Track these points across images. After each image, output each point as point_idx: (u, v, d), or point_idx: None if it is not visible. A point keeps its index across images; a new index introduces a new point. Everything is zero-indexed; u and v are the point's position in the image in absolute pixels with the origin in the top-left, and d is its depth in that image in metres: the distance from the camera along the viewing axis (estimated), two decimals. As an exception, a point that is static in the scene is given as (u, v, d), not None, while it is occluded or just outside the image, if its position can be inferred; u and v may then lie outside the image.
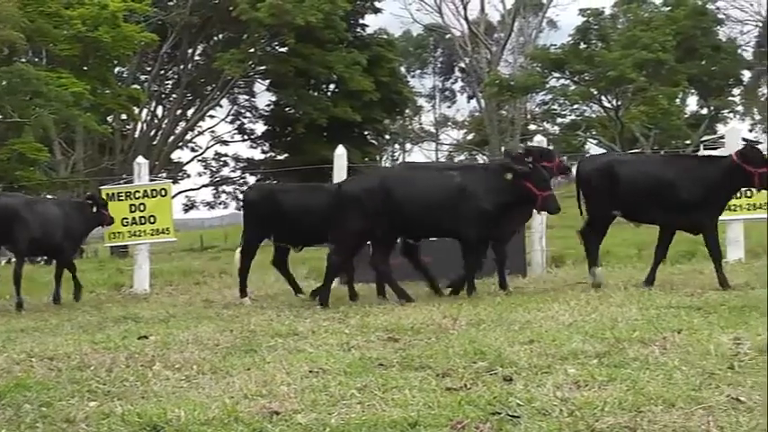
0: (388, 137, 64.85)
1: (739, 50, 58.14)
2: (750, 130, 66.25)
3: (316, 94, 50.07)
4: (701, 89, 55.66)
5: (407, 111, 66.86)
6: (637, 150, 45.05)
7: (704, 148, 17.01)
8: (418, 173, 13.57)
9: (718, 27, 55.54)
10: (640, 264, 13.96)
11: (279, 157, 53.18)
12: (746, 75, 61.71)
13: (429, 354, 7.34)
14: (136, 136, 48.89)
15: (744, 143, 16.65)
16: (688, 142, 50.55)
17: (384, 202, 12.25)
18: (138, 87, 46.56)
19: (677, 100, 53.02)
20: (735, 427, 4.88)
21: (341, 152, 17.04)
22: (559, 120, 59.51)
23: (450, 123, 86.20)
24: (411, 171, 14.17)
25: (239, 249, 14.07)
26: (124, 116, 46.89)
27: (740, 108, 63.06)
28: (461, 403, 5.60)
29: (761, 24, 56.49)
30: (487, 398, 5.70)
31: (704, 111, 57.89)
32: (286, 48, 47.00)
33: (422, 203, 12.25)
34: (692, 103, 59.96)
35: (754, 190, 13.52)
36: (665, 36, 48.77)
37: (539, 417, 5.27)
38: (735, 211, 14.61)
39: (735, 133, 17.67)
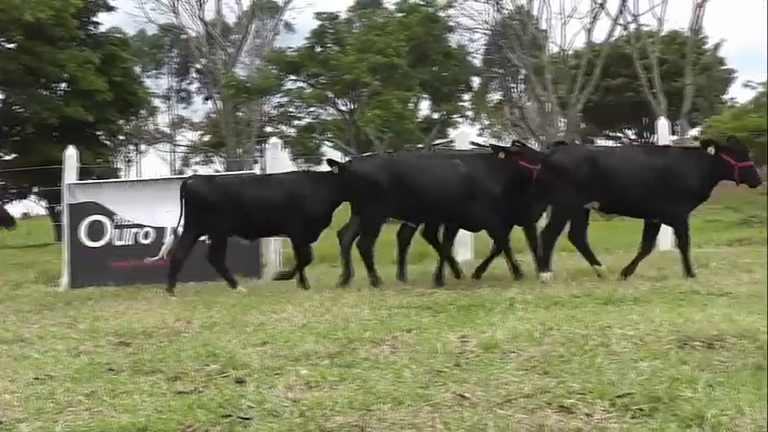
0: (122, 137, 63.51)
1: (469, 57, 60.03)
2: (479, 135, 68.57)
3: (46, 93, 48.52)
4: (432, 94, 57.05)
5: (142, 111, 65.69)
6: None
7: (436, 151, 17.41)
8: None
9: (449, 34, 57.18)
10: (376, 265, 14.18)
11: (6, 158, 51.27)
12: (476, 81, 63.87)
13: (160, 357, 7.23)
14: None
15: (472, 146, 17.13)
16: (421, 145, 51.76)
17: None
18: None
19: (410, 104, 54.14)
20: (459, 422, 5.00)
21: (71, 153, 16.66)
22: (296, 122, 59.85)
23: (185, 125, 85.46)
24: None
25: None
26: None
27: (470, 113, 65.07)
28: (192, 407, 5.53)
29: (489, 32, 58.51)
30: (219, 400, 5.65)
31: (436, 115, 59.36)
32: (14, 44, 45.39)
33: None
34: (425, 108, 61.49)
35: None
36: (399, 41, 49.76)
37: (269, 418, 5.26)
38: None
39: (464, 137, 18.29)
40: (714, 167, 12.17)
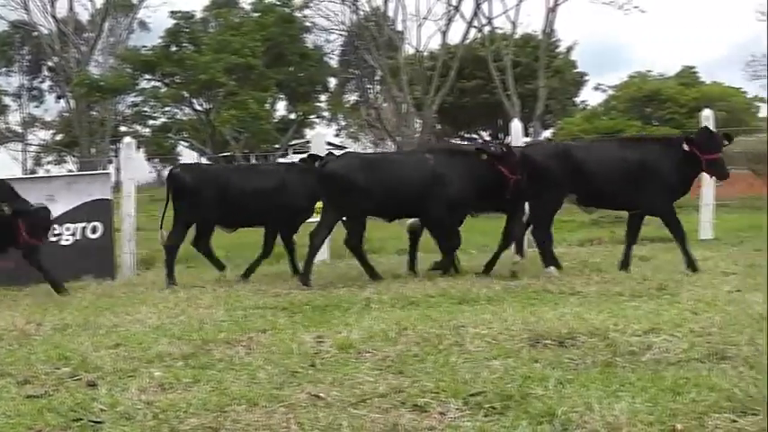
0: (-27, 136, 62.06)
1: (325, 58, 60.08)
2: (336, 135, 68.69)
3: None
4: (289, 94, 56.90)
5: (-8, 110, 64.19)
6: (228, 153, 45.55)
7: (293, 152, 17.43)
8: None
9: (306, 35, 57.09)
10: (229, 265, 14.16)
11: None
12: (332, 82, 63.99)
13: (10, 361, 7.09)
14: None
15: (329, 147, 17.17)
16: (277, 146, 51.64)
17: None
18: None
19: (267, 104, 53.94)
20: (314, 422, 5.01)
21: None
22: (151, 122, 59.06)
23: (37, 123, 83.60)
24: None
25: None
26: None
27: (326, 114, 65.13)
28: (42, 411, 5.44)
29: (345, 33, 58.64)
30: (70, 404, 5.56)
31: (293, 116, 59.21)
32: None
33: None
34: (281, 108, 61.28)
35: None
36: (255, 41, 49.55)
37: (122, 421, 5.20)
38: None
39: (320, 138, 18.32)
40: (685, 160, 12.23)
